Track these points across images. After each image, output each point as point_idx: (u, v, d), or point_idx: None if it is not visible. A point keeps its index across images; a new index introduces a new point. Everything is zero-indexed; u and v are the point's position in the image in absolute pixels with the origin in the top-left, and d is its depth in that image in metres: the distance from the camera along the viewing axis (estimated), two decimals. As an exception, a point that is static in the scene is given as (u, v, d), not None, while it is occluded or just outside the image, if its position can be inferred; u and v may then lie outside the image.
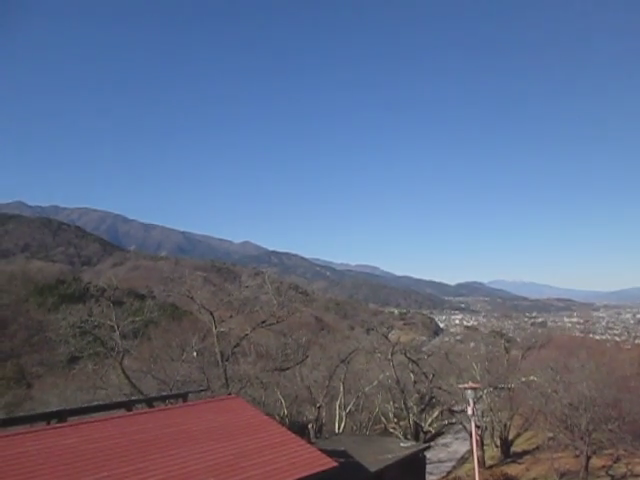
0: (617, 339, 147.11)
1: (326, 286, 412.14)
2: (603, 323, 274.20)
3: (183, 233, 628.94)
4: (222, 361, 33.29)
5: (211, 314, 33.88)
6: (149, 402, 19.44)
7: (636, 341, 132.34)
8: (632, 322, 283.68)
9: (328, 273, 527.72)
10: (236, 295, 37.76)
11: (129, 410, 17.46)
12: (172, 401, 21.43)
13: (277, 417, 37.94)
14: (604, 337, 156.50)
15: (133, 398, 24.14)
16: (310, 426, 37.97)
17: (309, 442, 20.69)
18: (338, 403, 42.15)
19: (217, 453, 13.71)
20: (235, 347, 35.91)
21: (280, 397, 40.93)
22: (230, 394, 24.94)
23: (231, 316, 37.49)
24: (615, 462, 36.00)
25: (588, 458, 34.07)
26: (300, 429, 36.04)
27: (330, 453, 15.94)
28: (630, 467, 34.87)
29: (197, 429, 15.23)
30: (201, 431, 15.12)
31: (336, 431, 39.83)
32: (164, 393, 27.66)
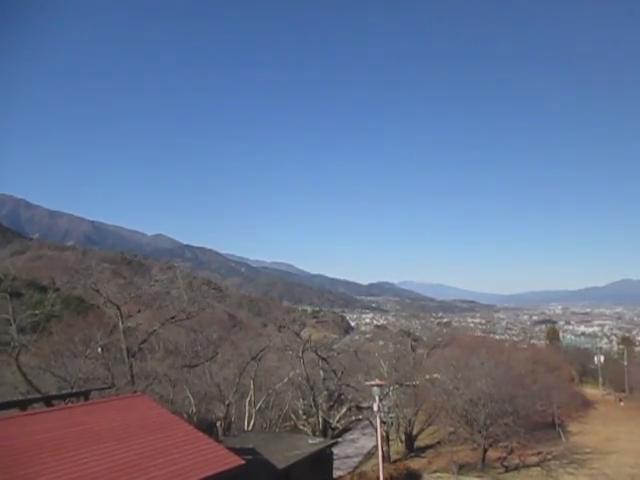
0: (515, 339, 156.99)
1: (240, 282, 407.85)
2: (503, 324, 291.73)
3: (92, 222, 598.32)
4: (128, 357, 32.09)
5: (118, 308, 32.54)
6: (47, 401, 18.38)
7: (532, 341, 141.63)
8: (528, 323, 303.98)
9: (243, 269, 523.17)
10: (146, 289, 36.50)
11: (24, 410, 16.42)
12: (73, 400, 20.34)
13: (185, 415, 37.17)
14: (503, 337, 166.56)
15: (29, 397, 22.72)
16: (218, 424, 37.47)
17: (217, 440, 20.43)
18: (248, 400, 41.91)
19: (119, 454, 13.20)
20: (142, 343, 34.74)
21: (189, 394, 40.11)
22: (136, 392, 24.09)
23: (139, 311, 36.20)
24: (509, 454, 38.38)
25: (485, 451, 36.19)
26: (208, 427, 35.49)
27: (238, 451, 15.84)
28: (522, 458, 37.41)
29: (99, 429, 14.58)
30: (103, 431, 14.49)
31: (245, 429, 39.58)
32: (64, 391, 26.29)
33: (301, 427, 43.90)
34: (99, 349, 34.73)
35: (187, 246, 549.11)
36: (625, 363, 74.58)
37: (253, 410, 41.44)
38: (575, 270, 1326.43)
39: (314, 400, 41.00)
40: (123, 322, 32.48)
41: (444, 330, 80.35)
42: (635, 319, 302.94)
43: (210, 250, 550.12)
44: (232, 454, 14.48)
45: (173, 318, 35.03)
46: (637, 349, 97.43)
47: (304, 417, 44.62)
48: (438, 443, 43.48)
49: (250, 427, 40.12)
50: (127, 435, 14.44)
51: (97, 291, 33.71)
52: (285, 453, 23.98)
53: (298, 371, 43.50)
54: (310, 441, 27.90)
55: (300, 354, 42.08)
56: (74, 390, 26.27)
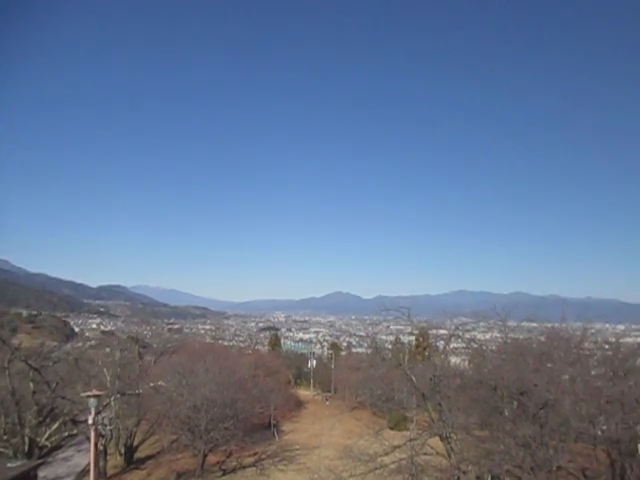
0: (241, 345, 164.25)
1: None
2: (232, 330, 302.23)
3: None
4: None
5: None
6: None
7: (257, 347, 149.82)
8: (255, 330, 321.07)
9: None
10: None
11: None
12: None
13: None
14: (231, 343, 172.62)
15: None
16: None
17: None
18: None
19: None
20: None
21: None
22: None
23: None
24: (228, 457, 39.83)
25: (205, 456, 36.77)
26: None
27: None
28: (240, 460, 39.16)
29: None
30: None
31: None
32: None
33: (1, 450, 38.39)
34: None
35: None
36: (333, 366, 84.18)
37: None
38: (298, 282, 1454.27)
39: (19, 417, 36.35)
40: None
41: (175, 336, 79.70)
42: (343, 327, 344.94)
43: None
44: None
45: None
46: (343, 353, 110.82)
47: (5, 437, 39.08)
48: (159, 453, 42.73)
49: None
50: None
51: None
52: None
53: (2, 384, 38.04)
54: (9, 465, 24.72)
55: (6, 364, 36.88)
56: None
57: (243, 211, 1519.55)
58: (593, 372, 29.40)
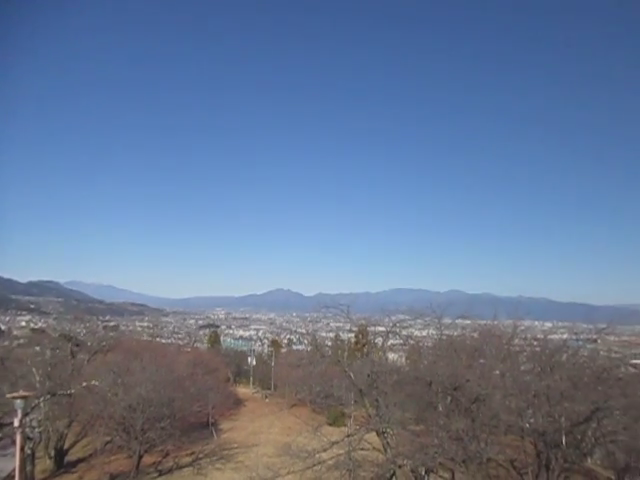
0: (180, 342, 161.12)
1: None
2: (170, 328, 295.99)
3: None
4: None
5: None
6: None
7: (196, 344, 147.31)
8: (194, 327, 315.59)
9: None
10: None
11: None
12: None
13: None
14: (169, 341, 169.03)
15: None
16: None
17: None
18: None
19: None
20: None
21: None
22: None
23: None
24: (164, 457, 39.09)
25: (140, 457, 35.92)
26: None
27: None
28: (177, 460, 38.53)
29: None
30: None
31: None
32: None
33: None
34: None
35: None
36: (273, 364, 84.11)
37: None
38: (238, 278, 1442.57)
39: (-62, 420, 34.33)
40: None
41: (111, 334, 77.16)
42: (284, 324, 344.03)
43: None
44: None
45: None
46: (283, 350, 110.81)
47: None
48: (92, 455, 41.40)
49: None
50: None
51: None
52: None
53: None
54: None
55: None
56: None
57: (181, 207, 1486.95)
58: (522, 367, 30.83)
